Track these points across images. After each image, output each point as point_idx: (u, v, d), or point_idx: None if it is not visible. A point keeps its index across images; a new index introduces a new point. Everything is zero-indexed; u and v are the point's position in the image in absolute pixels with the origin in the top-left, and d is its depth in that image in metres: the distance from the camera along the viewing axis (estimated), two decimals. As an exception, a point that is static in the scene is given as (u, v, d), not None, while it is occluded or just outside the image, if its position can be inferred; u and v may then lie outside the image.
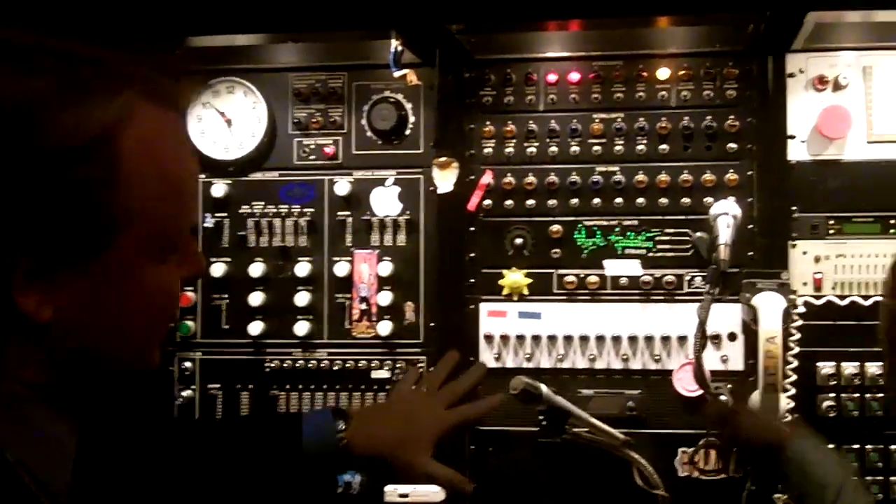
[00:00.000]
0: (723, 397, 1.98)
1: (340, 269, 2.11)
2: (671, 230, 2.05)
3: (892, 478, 1.95)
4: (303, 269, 2.11)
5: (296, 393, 2.13)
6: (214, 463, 1.50)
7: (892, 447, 1.95)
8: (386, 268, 2.09)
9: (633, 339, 2.05)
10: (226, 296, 2.16)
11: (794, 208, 2.01)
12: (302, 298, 2.11)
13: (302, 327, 2.11)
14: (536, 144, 2.08)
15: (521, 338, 2.07)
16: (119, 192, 0.96)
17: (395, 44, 1.92)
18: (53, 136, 0.92)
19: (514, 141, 2.08)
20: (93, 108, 0.95)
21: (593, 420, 1.96)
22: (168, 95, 1.05)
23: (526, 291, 2.08)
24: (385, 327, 2.09)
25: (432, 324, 2.10)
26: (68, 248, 0.95)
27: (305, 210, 2.14)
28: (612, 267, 2.06)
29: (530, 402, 1.94)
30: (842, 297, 1.98)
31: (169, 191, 1.02)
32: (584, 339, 2.06)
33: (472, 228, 2.10)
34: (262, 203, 2.16)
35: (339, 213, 2.14)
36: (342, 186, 2.11)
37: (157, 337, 1.12)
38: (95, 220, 0.96)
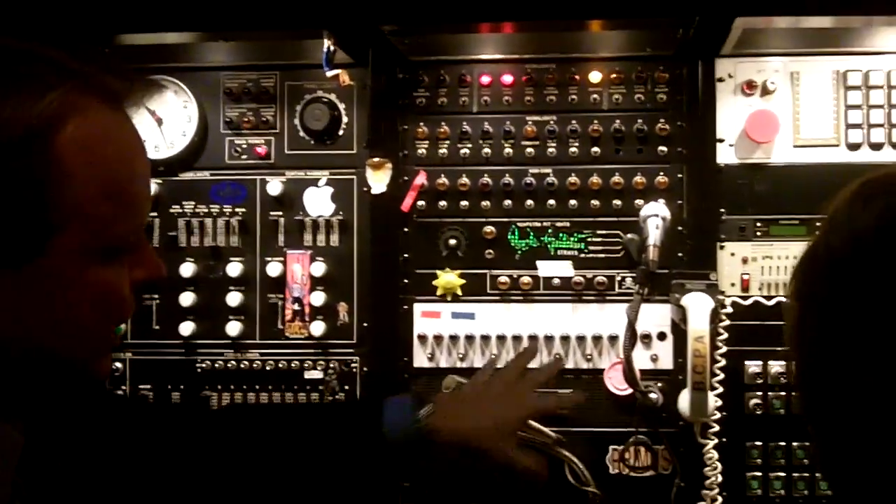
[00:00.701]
0: (652, 395, 2.01)
1: (273, 269, 2.09)
2: (603, 232, 2.07)
3: (818, 474, 1.99)
4: (234, 269, 2.09)
5: (228, 393, 2.11)
6: (289, 448, 1.51)
7: (818, 444, 1.99)
8: (319, 268, 2.08)
9: (565, 339, 2.06)
10: (156, 296, 2.13)
11: (722, 210, 2.04)
12: (234, 299, 2.09)
13: (234, 328, 2.09)
14: (470, 146, 2.08)
15: (454, 338, 2.08)
16: (58, 189, 0.94)
17: (327, 44, 1.90)
18: None
19: (448, 142, 2.09)
20: (30, 100, 0.94)
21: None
22: (116, 93, 1.03)
23: (459, 292, 2.08)
24: (318, 328, 2.08)
25: (365, 324, 2.09)
26: (2, 245, 0.93)
27: (237, 210, 2.12)
28: (545, 268, 2.08)
29: (463, 401, 1.95)
30: (768, 298, 2.02)
31: (113, 191, 1.00)
32: (517, 338, 2.07)
33: (406, 229, 2.09)
34: (193, 203, 2.13)
35: (272, 213, 2.12)
36: (274, 186, 2.09)
37: (103, 341, 1.10)
38: (32, 218, 0.94)
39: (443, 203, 2.08)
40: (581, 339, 2.06)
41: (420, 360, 2.08)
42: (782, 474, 2.00)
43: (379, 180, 2.06)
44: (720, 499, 1.98)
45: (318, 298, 2.08)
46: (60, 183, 0.95)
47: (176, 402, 2.10)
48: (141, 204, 1.08)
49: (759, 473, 2.01)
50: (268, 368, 2.09)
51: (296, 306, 2.10)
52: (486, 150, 2.08)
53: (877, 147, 2.03)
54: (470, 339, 2.08)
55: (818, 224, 2.00)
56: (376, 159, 2.06)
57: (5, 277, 0.95)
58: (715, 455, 1.98)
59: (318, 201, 2.11)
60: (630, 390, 2.00)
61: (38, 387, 1.07)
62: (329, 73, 1.96)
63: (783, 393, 2.01)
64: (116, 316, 1.08)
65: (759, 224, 2.04)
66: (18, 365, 1.00)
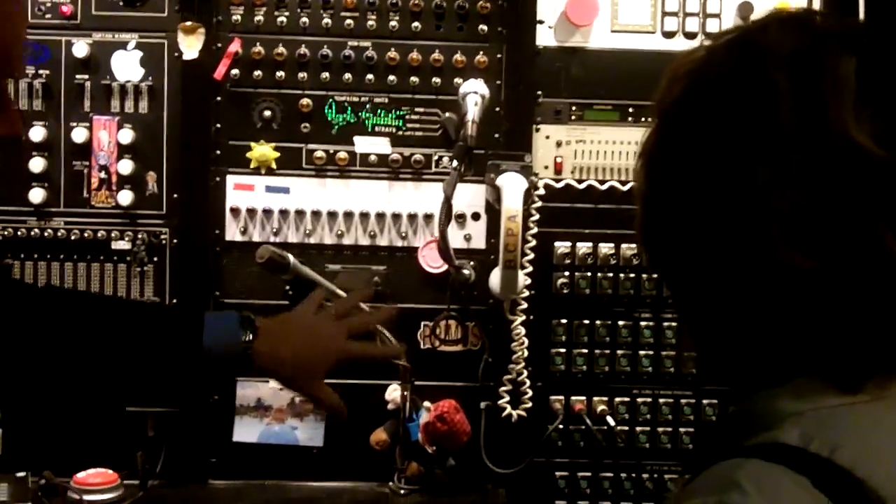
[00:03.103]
0: (465, 271, 2.04)
1: (78, 135, 2.00)
2: (421, 109, 2.07)
3: (619, 351, 2.09)
4: (37, 133, 1.99)
5: (31, 262, 2.03)
6: (103, 338, 1.48)
7: (620, 322, 2.08)
8: (126, 135, 2.00)
9: (380, 217, 2.07)
10: (-49, 160, 2.03)
11: (539, 93, 2.06)
12: (36, 164, 2.00)
13: (37, 195, 2.00)
14: (287, 14, 2.03)
15: (268, 212, 2.05)
16: None
17: None
18: None
19: (264, 9, 2.02)
20: None
21: (340, 291, 1.97)
22: None
23: (274, 165, 2.05)
24: (126, 197, 2.01)
25: (176, 195, 2.04)
26: None
27: (40, 72, 2.01)
28: (362, 144, 2.07)
29: (277, 271, 1.96)
30: (580, 181, 2.07)
31: None
32: (332, 214, 2.07)
33: (219, 98, 2.04)
34: (-8, 62, 2.01)
35: (77, 76, 2.01)
36: (80, 48, 1.99)
37: None
38: None
39: (258, 73, 2.03)
40: (396, 216, 2.07)
41: (232, 233, 2.06)
42: (585, 351, 2.09)
43: (191, 46, 1.99)
44: (525, 373, 2.05)
45: (125, 167, 2.01)
46: None
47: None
48: (13, 60, 1.12)
49: (564, 350, 2.09)
50: (73, 238, 2.02)
51: (102, 174, 2.02)
52: (305, 19, 2.03)
53: (691, 36, 2.07)
54: (284, 213, 2.06)
55: (631, 110, 2.07)
56: (188, 24, 1.98)
57: None
58: (522, 331, 2.04)
59: (127, 66, 2.02)
60: (443, 268, 2.04)
61: None
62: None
63: (589, 274, 2.08)
64: None
65: (574, 108, 2.07)
66: None
